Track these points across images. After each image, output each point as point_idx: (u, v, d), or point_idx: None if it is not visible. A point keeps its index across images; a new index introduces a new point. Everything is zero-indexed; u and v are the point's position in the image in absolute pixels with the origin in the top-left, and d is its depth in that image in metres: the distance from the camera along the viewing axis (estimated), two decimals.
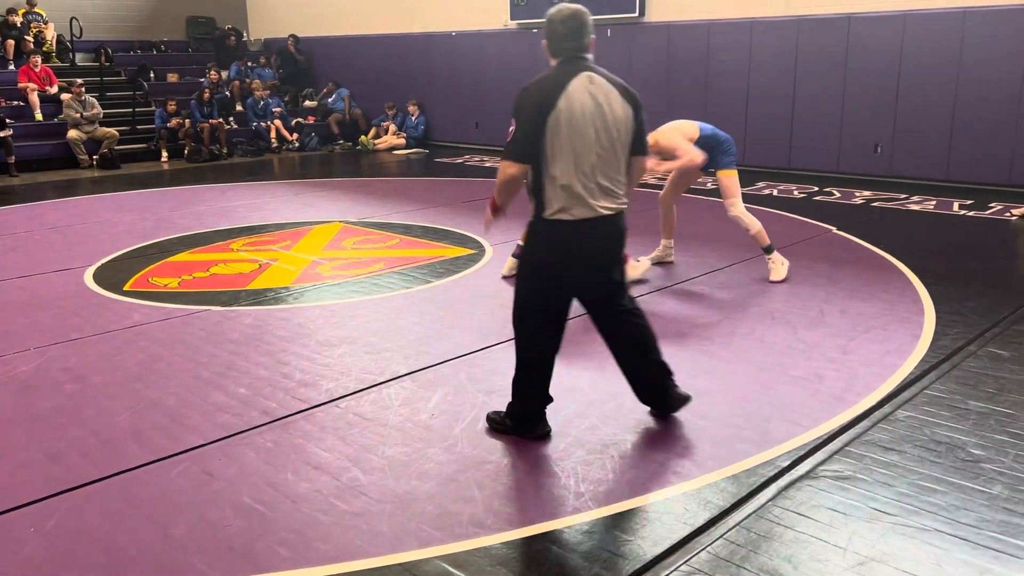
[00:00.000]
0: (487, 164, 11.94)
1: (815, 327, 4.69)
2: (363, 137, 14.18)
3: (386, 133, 14.09)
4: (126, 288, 5.67)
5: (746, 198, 8.84)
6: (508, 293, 5.30)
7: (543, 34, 3.23)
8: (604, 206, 3.18)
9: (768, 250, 5.72)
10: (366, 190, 9.89)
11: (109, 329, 4.79)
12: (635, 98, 3.25)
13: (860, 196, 8.86)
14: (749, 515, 2.81)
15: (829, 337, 4.52)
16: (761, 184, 9.66)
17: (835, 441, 3.33)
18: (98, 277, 5.95)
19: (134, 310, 5.17)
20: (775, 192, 9.18)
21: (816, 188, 9.35)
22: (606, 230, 3.22)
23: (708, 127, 5.69)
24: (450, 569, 2.54)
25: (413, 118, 14.06)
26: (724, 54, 10.76)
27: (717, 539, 2.68)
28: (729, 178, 5.76)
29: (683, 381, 3.93)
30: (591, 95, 3.11)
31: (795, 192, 9.17)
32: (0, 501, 2.93)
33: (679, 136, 5.50)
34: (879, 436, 3.37)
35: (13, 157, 11.11)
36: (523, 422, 3.40)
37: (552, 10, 3.21)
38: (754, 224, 5.70)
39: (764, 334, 4.59)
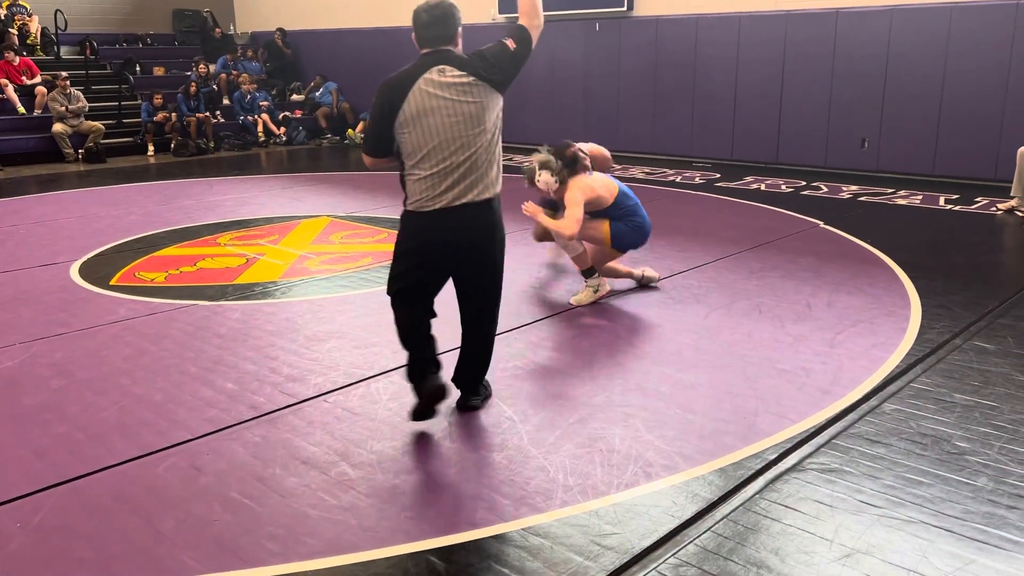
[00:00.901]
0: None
1: (802, 321, 4.72)
2: (351, 131, 14.12)
3: None
4: (112, 283, 5.63)
5: (734, 192, 8.91)
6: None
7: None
8: (464, 196, 3.18)
9: (587, 273, 5.16)
10: (354, 184, 9.86)
11: (95, 324, 4.76)
12: (479, 63, 3.15)
13: (847, 191, 8.90)
14: (736, 508, 2.83)
15: (816, 331, 4.54)
16: (749, 179, 9.69)
17: (822, 434, 3.35)
18: (84, 272, 5.91)
19: (120, 305, 5.14)
20: (763, 187, 9.22)
21: (804, 183, 9.39)
22: (468, 220, 3.23)
23: (627, 189, 5.27)
24: (439, 563, 2.54)
25: None
26: (712, 49, 10.77)
27: (705, 532, 2.69)
28: (600, 227, 5.14)
29: (669, 375, 3.96)
30: (440, 87, 3.10)
31: (782, 187, 9.20)
32: None
33: (581, 195, 4.93)
34: (865, 429, 3.39)
35: None
36: (410, 376, 3.45)
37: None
38: (577, 248, 5.11)
39: (751, 328, 4.61)
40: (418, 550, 2.60)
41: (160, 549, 2.62)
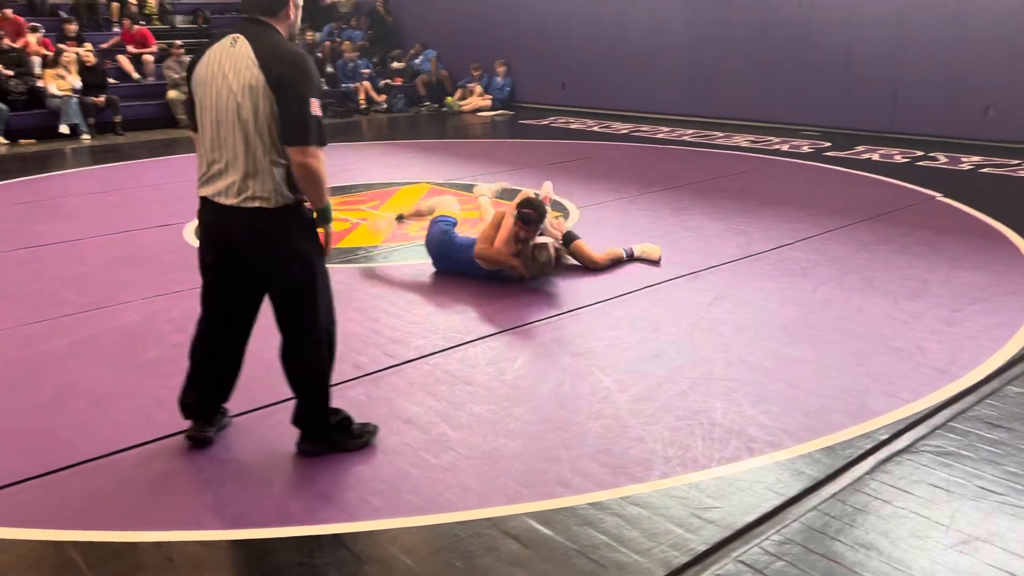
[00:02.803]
0: (573, 126, 11.82)
1: (917, 297, 4.50)
2: (449, 99, 14.20)
3: (471, 95, 14.08)
4: None
5: (845, 162, 8.54)
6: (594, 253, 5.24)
7: None
8: (219, 194, 2.79)
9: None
10: (452, 152, 9.92)
11: None
12: (280, 70, 2.64)
13: (968, 161, 8.40)
14: (844, 487, 2.74)
15: (932, 308, 4.33)
16: (860, 148, 9.26)
17: (938, 416, 3.20)
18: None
19: None
20: (875, 156, 8.80)
21: (920, 152, 8.90)
22: (227, 221, 2.81)
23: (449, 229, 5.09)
24: (537, 526, 2.56)
25: (499, 79, 13.99)
26: (824, 8, 10.28)
27: (810, 510, 2.62)
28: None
29: (774, 349, 3.85)
30: (221, 60, 2.72)
31: (897, 157, 8.76)
32: (112, 443, 3.10)
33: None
34: (986, 412, 3.22)
35: (119, 117, 11.57)
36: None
37: None
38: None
39: (862, 303, 4.43)
40: (516, 512, 2.63)
41: (270, 500, 2.73)
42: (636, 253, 5.28)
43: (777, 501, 2.66)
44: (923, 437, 3.05)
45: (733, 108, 11.34)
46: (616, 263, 5.18)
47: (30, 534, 2.56)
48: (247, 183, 2.75)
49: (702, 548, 2.44)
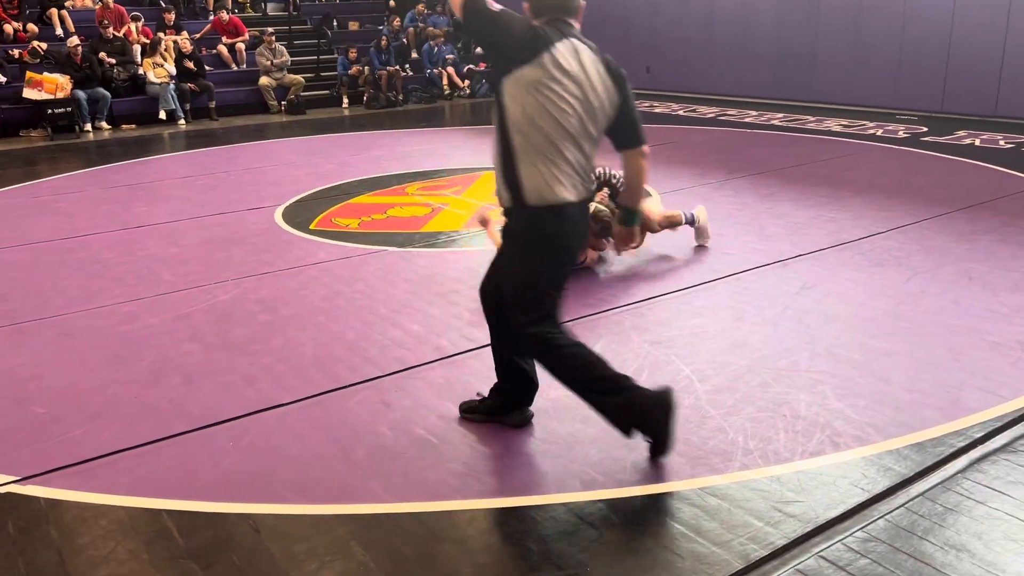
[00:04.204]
0: (657, 110, 11.64)
1: (1019, 290, 4.28)
2: None
3: None
4: (311, 227, 6.02)
5: (943, 147, 8.16)
6: (674, 241, 5.19)
7: None
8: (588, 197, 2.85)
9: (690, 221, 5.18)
10: None
11: (296, 265, 5.12)
12: (621, 72, 2.75)
13: None
14: (935, 486, 2.63)
15: None
16: (961, 133, 8.84)
17: None
18: (286, 216, 6.34)
19: (319, 248, 5.49)
20: (977, 142, 8.37)
21: None
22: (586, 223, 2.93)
23: None
24: (613, 515, 2.55)
25: None
26: None
27: (897, 508, 2.53)
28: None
29: (863, 342, 3.72)
30: (582, 60, 2.68)
31: (1001, 142, 8.32)
32: (204, 416, 3.23)
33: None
34: None
35: (213, 102, 11.99)
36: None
37: None
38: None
39: (959, 295, 4.24)
40: (593, 499, 2.62)
41: (353, 476, 2.80)
42: (701, 221, 5.15)
43: (862, 497, 2.58)
44: (1021, 436, 2.90)
45: (825, 91, 10.97)
46: (672, 225, 5.07)
47: (128, 501, 2.70)
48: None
49: (782, 542, 2.39)
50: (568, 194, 2.71)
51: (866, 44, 10.53)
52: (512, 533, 2.48)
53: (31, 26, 11.93)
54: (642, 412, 2.73)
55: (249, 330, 4.10)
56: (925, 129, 9.15)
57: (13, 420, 3.26)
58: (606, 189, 4.94)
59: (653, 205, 5.01)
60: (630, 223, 3.01)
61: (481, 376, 3.51)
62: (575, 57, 2.68)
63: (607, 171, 4.87)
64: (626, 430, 2.77)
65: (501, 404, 3.10)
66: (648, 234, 4.92)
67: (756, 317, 4.06)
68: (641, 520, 2.52)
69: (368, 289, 4.64)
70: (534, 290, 2.78)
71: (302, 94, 12.85)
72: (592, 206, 4.53)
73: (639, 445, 2.92)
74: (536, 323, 2.77)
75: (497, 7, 2.73)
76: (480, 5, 2.71)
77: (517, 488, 2.70)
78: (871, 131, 9.24)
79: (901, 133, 9.05)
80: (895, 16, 10.18)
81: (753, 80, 11.88)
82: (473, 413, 3.15)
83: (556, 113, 2.64)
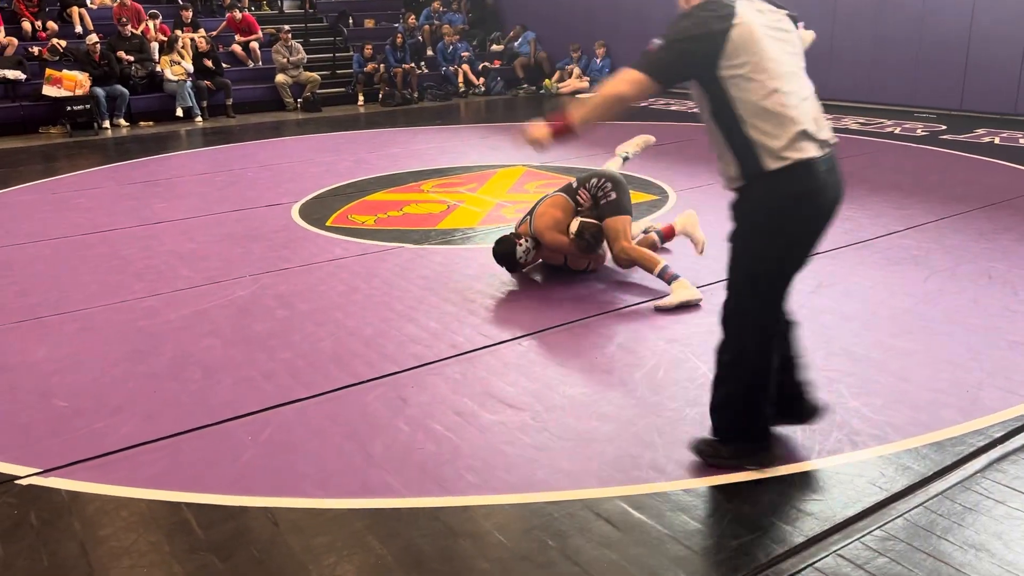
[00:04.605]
0: (673, 107, 11.61)
1: None
2: (547, 81, 14.17)
3: (570, 77, 14.00)
4: (328, 224, 6.04)
5: (962, 146, 8.10)
6: (687, 244, 5.17)
7: None
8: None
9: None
10: None
11: (314, 261, 5.15)
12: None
13: None
14: (954, 485, 2.62)
15: None
16: (980, 131, 8.76)
17: None
18: (303, 212, 6.38)
19: (336, 244, 5.51)
20: (997, 140, 8.31)
21: None
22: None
23: None
24: (630, 510, 2.56)
25: (599, 60, 13.86)
26: None
27: (916, 507, 2.52)
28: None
29: (881, 340, 3.71)
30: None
31: (1021, 140, 8.25)
32: (224, 411, 3.26)
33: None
34: None
35: (231, 100, 12.06)
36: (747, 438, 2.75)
37: None
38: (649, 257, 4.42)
39: (978, 294, 4.21)
40: (609, 496, 2.63)
41: (371, 471, 2.82)
42: (678, 230, 4.79)
43: (880, 496, 2.57)
44: None
45: (842, 88, 10.90)
46: (651, 246, 4.75)
47: (149, 494, 2.73)
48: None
49: (799, 540, 2.39)
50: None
51: (884, 40, 10.45)
52: (529, 529, 2.49)
53: (51, 24, 12.04)
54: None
55: (267, 325, 4.13)
56: (944, 127, 9.08)
57: (36, 413, 3.30)
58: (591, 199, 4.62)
59: (627, 226, 4.51)
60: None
61: (497, 372, 3.52)
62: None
63: (600, 181, 4.57)
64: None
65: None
66: (654, 241, 4.87)
67: None
68: (658, 517, 2.52)
69: (385, 285, 4.66)
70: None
71: (318, 91, 12.90)
72: (578, 221, 4.44)
73: (655, 442, 2.92)
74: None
75: (656, 43, 2.63)
76: (654, 68, 2.67)
77: (534, 484, 2.71)
78: (889, 129, 9.18)
79: (919, 131, 8.99)
80: (914, 12, 10.10)
81: None
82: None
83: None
